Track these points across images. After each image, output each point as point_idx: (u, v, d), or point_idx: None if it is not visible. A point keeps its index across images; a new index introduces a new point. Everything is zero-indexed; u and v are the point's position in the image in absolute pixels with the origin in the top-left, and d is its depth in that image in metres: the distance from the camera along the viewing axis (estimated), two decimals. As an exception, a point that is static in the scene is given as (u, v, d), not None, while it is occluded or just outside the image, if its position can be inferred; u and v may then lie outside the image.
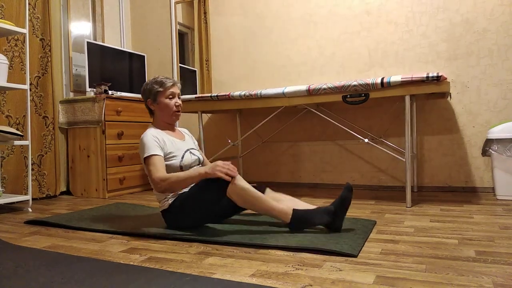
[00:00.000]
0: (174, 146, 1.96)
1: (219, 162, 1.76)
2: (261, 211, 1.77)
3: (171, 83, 1.99)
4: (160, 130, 2.00)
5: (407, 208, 2.33)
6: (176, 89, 2.02)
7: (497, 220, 1.95)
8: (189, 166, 1.98)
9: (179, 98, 2.05)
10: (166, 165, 1.91)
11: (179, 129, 2.19)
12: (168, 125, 2.06)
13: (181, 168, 1.94)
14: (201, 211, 1.85)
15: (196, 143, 2.19)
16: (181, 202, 1.86)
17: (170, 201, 1.90)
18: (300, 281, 1.23)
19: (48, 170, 3.16)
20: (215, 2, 3.73)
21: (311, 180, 3.38)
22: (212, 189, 1.79)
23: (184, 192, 1.90)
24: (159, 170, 1.82)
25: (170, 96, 2.00)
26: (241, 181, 1.76)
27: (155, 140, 1.90)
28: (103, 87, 3.25)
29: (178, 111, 2.03)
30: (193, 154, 2.03)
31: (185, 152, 1.99)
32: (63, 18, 3.45)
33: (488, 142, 2.54)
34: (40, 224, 2.19)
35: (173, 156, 1.93)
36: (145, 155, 1.87)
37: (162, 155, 1.90)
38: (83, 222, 2.16)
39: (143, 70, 3.89)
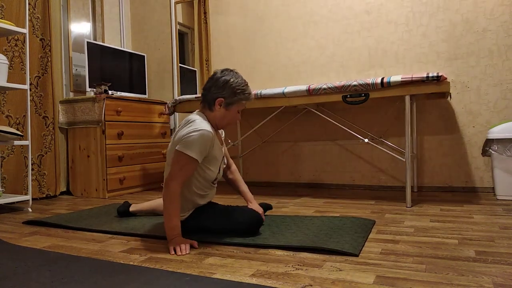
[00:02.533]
0: (219, 153, 1.76)
1: (182, 242, 1.59)
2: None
3: (252, 99, 1.79)
4: (213, 129, 1.74)
5: (407, 208, 2.33)
6: None
7: (497, 220, 1.95)
8: (217, 179, 1.83)
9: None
10: (200, 177, 1.73)
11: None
12: (216, 126, 1.80)
13: (213, 182, 1.79)
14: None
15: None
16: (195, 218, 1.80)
17: (186, 215, 1.80)
18: (300, 281, 1.23)
19: (48, 170, 3.16)
20: (215, 2, 3.73)
21: (311, 180, 3.38)
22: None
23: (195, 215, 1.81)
24: (180, 176, 1.60)
25: (240, 109, 1.78)
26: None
27: (205, 144, 1.62)
28: (103, 87, 3.25)
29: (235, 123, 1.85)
30: (223, 163, 1.86)
31: (221, 163, 1.81)
32: (63, 18, 3.45)
33: (488, 142, 2.54)
34: (40, 224, 2.19)
35: (212, 167, 1.74)
36: (185, 152, 1.59)
37: (198, 160, 1.64)
38: (83, 222, 2.16)
39: (143, 70, 3.89)
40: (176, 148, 1.62)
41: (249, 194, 1.99)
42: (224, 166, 1.90)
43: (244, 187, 2.01)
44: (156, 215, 2.29)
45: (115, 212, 2.43)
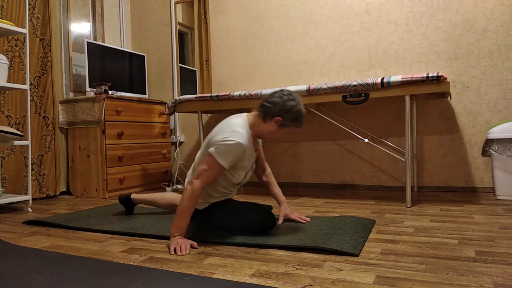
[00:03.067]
0: (248, 162, 1.78)
1: (182, 242, 1.61)
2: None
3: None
4: (250, 138, 1.75)
5: (407, 208, 2.33)
6: None
7: (497, 220, 1.95)
8: (244, 183, 1.87)
9: None
10: (226, 178, 1.77)
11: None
12: (255, 135, 1.82)
13: (237, 184, 1.83)
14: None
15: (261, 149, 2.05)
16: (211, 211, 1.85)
17: (205, 206, 1.84)
18: (300, 281, 1.23)
19: (48, 170, 3.16)
20: (215, 2, 3.73)
21: (311, 180, 3.38)
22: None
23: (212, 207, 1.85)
24: (206, 178, 1.63)
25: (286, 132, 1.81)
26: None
27: (237, 156, 1.66)
28: (103, 87, 3.25)
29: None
30: (252, 167, 1.90)
31: (249, 170, 1.84)
32: (63, 18, 3.45)
33: (488, 142, 2.54)
34: (40, 224, 2.19)
35: (240, 172, 1.77)
36: (216, 157, 1.62)
37: (227, 168, 1.68)
38: (83, 222, 2.16)
39: (143, 70, 3.89)
40: (209, 150, 1.65)
41: (281, 197, 2.05)
42: (252, 172, 1.93)
43: (277, 190, 2.06)
44: (156, 213, 2.29)
45: (115, 212, 2.44)
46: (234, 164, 1.72)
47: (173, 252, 1.56)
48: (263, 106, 1.74)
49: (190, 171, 1.89)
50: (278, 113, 1.70)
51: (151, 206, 2.61)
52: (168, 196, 2.30)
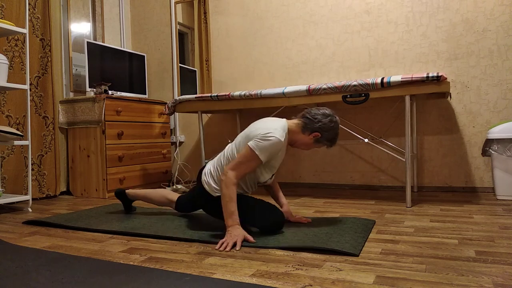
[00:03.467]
0: (278, 162, 1.85)
1: (239, 241, 1.63)
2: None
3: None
4: (286, 139, 1.82)
5: (407, 208, 2.33)
6: None
7: (497, 220, 1.95)
8: (264, 182, 1.92)
9: None
10: (255, 175, 1.83)
11: None
12: (291, 143, 1.89)
13: (260, 183, 1.88)
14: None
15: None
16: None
17: (219, 194, 1.85)
18: (300, 281, 1.23)
19: (48, 170, 3.16)
20: (215, 2, 3.73)
21: (311, 180, 3.38)
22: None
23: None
24: (242, 169, 1.70)
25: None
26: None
27: (275, 152, 1.73)
28: (103, 87, 3.25)
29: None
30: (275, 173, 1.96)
31: (274, 172, 1.90)
32: (63, 18, 3.45)
33: (488, 142, 2.54)
34: (40, 224, 2.19)
35: (267, 172, 1.83)
36: (255, 150, 1.69)
37: (262, 163, 1.75)
38: (83, 222, 2.16)
39: (143, 70, 3.89)
40: (249, 143, 1.71)
41: (283, 199, 2.06)
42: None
43: (280, 193, 2.07)
44: (156, 214, 2.29)
45: (115, 211, 2.44)
46: (268, 161, 1.78)
47: (221, 248, 1.58)
48: (306, 118, 1.81)
49: (214, 162, 1.89)
50: (318, 129, 1.78)
51: (150, 204, 2.61)
52: (162, 190, 2.33)
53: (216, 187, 1.84)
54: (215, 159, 1.92)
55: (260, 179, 1.86)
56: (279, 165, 1.89)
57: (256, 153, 1.68)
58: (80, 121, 3.23)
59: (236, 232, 1.65)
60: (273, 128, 1.72)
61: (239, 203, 1.82)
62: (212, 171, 1.87)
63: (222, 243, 1.62)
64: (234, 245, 1.61)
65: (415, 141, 2.95)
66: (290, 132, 1.82)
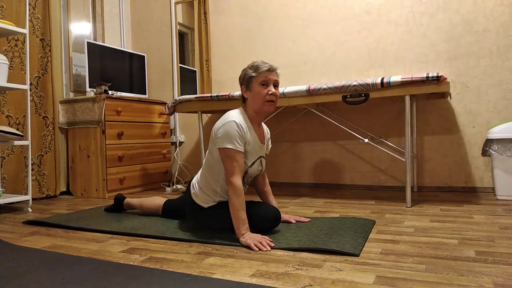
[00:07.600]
0: (253, 148, 1.79)
1: (259, 238, 1.63)
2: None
3: (266, 68, 1.77)
4: (247, 119, 1.79)
5: (407, 208, 2.33)
6: (273, 76, 1.77)
7: (497, 220, 1.95)
8: (251, 176, 1.88)
9: (275, 86, 1.79)
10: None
11: (264, 126, 1.97)
12: (256, 116, 1.82)
13: (243, 178, 1.81)
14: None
15: (270, 145, 2.04)
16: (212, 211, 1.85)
17: (210, 204, 1.84)
18: (300, 281, 1.23)
19: (48, 170, 3.16)
20: (215, 2, 3.73)
21: (311, 180, 3.38)
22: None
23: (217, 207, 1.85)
24: (236, 169, 1.68)
25: (264, 83, 1.75)
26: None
27: (237, 132, 1.69)
28: (103, 87, 3.25)
29: (272, 101, 1.76)
30: (261, 164, 1.89)
31: (257, 159, 1.84)
32: (63, 18, 3.45)
33: (488, 142, 2.54)
34: (40, 224, 2.19)
35: (247, 158, 1.78)
36: (224, 146, 1.68)
37: (242, 151, 1.71)
38: (83, 222, 2.16)
39: (143, 70, 3.89)
40: (217, 147, 1.73)
41: (273, 202, 2.04)
42: (261, 169, 1.92)
43: (272, 199, 2.05)
44: (154, 214, 2.29)
45: (115, 212, 2.44)
46: (245, 147, 1.74)
47: (256, 249, 1.57)
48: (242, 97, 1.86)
49: (196, 177, 1.92)
50: (240, 85, 1.84)
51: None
52: (156, 199, 2.33)
53: (203, 197, 1.84)
54: (198, 174, 1.94)
55: (248, 171, 1.81)
56: (260, 155, 1.86)
57: (227, 147, 1.68)
58: (80, 121, 3.23)
59: (253, 235, 1.65)
60: (223, 118, 1.75)
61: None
62: (198, 182, 1.88)
63: (256, 245, 1.59)
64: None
65: (415, 141, 2.95)
66: (246, 110, 1.82)
